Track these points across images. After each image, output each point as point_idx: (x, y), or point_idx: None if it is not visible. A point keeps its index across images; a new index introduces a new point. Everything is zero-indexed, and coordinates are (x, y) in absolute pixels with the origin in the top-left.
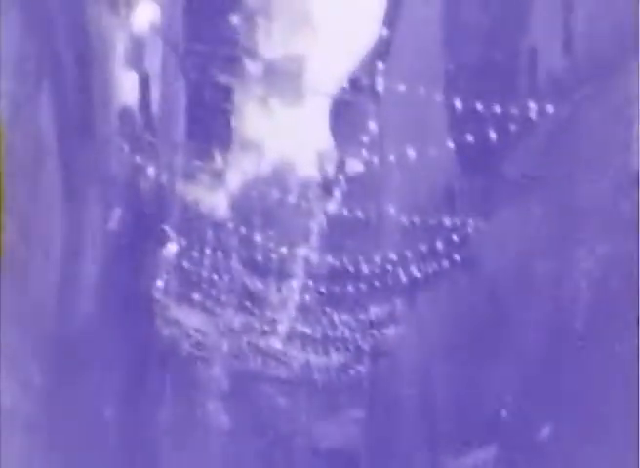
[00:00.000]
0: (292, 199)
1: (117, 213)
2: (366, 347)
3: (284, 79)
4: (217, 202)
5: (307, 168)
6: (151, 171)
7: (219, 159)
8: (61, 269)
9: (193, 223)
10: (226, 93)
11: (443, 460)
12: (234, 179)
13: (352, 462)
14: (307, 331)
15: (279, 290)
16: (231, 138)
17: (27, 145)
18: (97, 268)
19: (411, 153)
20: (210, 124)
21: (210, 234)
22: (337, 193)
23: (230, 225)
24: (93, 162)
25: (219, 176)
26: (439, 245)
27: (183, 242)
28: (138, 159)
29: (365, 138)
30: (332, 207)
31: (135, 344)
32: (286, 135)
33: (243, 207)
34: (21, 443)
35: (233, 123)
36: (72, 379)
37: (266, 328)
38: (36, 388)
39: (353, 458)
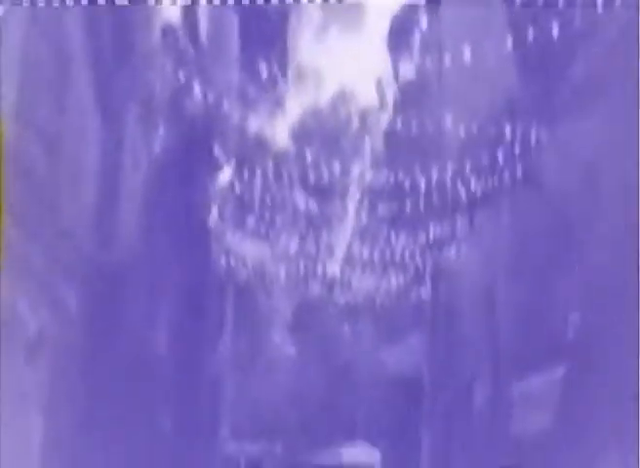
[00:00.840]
0: (350, 124)
1: (161, 134)
2: (426, 268)
3: (343, 5)
4: (273, 126)
5: (366, 95)
6: (198, 90)
7: (274, 85)
8: (98, 191)
9: (247, 148)
10: (283, 18)
11: (507, 382)
12: (293, 106)
13: (416, 386)
14: (365, 253)
15: (335, 211)
16: (288, 64)
17: (50, 56)
18: (140, 193)
19: (467, 55)
20: (264, 48)
21: (265, 158)
22: (391, 107)
23: (287, 150)
24: (132, 80)
25: (275, 103)
26: (500, 156)
27: (236, 167)
28: (181, 76)
29: (419, 43)
30: (386, 122)
31: (189, 273)
32: (345, 62)
33: (300, 132)
34: (49, 365)
35: (290, 49)
36: (115, 305)
37: (323, 252)
38: (69, 311)
39: (417, 382)
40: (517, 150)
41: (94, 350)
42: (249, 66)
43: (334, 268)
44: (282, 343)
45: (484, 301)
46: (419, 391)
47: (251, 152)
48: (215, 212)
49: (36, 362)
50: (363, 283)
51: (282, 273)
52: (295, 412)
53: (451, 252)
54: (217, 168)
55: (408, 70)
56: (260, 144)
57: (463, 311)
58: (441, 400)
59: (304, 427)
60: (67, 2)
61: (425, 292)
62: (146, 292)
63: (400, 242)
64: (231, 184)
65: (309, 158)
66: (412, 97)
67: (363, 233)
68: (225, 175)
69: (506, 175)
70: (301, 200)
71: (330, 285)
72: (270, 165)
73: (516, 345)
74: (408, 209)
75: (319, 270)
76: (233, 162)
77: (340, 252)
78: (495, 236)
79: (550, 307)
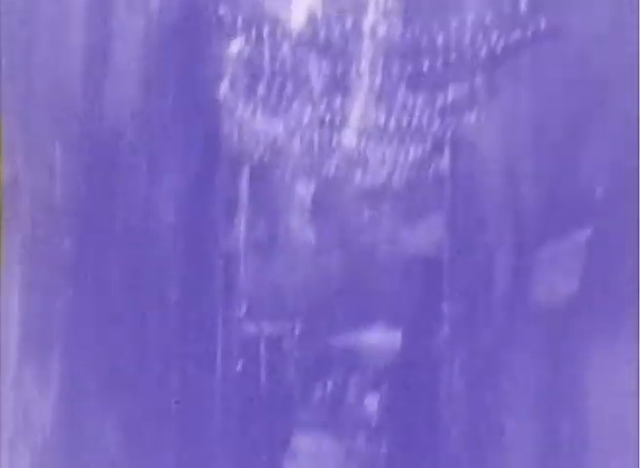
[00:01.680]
0: None
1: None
2: (445, 137)
3: None
4: None
5: None
6: None
7: None
8: (88, 54)
9: (255, 12)
10: None
11: (529, 250)
12: None
13: (436, 267)
14: (381, 118)
15: (347, 74)
16: None
17: None
18: (142, 58)
19: None
20: None
21: (272, 22)
22: None
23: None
24: None
25: None
26: (522, 6)
27: (245, 34)
28: None
29: None
30: None
31: (200, 149)
32: None
33: None
34: (31, 221)
35: None
36: (111, 173)
37: (337, 119)
38: (60, 172)
39: (437, 263)
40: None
41: (83, 213)
42: None
43: (349, 138)
44: (300, 226)
45: (505, 172)
46: (439, 269)
47: (255, 14)
48: (225, 83)
49: (17, 217)
50: (379, 154)
51: (296, 145)
52: (314, 295)
53: (471, 118)
54: (224, 33)
55: None
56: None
57: (484, 183)
58: (462, 275)
59: (324, 310)
60: None
61: (444, 163)
62: (150, 165)
63: (418, 106)
64: (241, 53)
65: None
66: None
67: (378, 97)
68: (234, 44)
69: (531, 27)
70: (308, 59)
71: (347, 158)
72: (274, 28)
73: (540, 210)
74: (425, 68)
75: (334, 140)
76: (242, 27)
77: (354, 119)
78: (516, 98)
79: (575, 177)
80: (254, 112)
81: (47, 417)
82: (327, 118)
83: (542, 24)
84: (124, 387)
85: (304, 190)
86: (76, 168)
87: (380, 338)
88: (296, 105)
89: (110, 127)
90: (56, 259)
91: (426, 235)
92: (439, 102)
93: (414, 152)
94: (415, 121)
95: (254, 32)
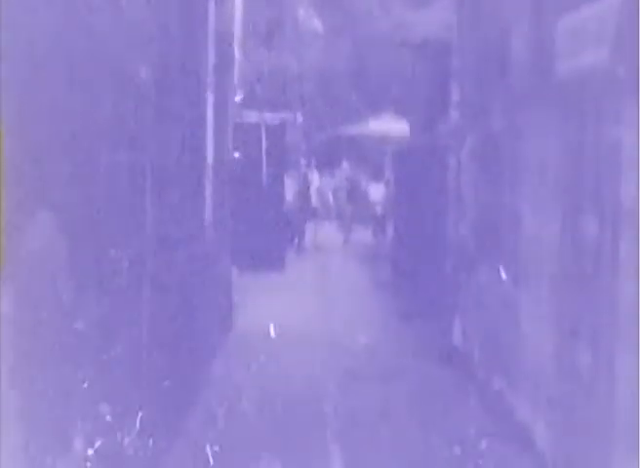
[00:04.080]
0: None
1: None
2: None
3: None
4: None
5: None
6: None
7: None
8: None
9: None
10: None
11: (549, 21)
12: None
13: (444, 50)
14: None
15: None
16: None
17: None
18: None
19: None
20: None
21: None
22: None
23: None
24: None
25: None
26: None
27: None
28: None
29: None
30: None
31: None
32: None
33: None
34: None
35: None
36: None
37: None
38: None
39: (445, 45)
40: None
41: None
42: None
43: None
44: (307, 16)
45: None
46: (447, 54)
47: None
48: None
49: None
50: None
51: None
52: (319, 86)
53: None
54: None
55: None
56: None
57: None
58: (472, 60)
59: (329, 100)
60: None
61: None
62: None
63: None
64: None
65: None
66: None
67: None
68: None
69: None
70: None
71: None
72: None
73: None
74: None
75: None
76: None
77: None
78: None
79: None
80: None
81: None
82: None
83: None
84: None
85: None
86: None
87: (389, 126)
88: None
89: None
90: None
91: (435, 18)
92: None
93: None
94: None
95: None
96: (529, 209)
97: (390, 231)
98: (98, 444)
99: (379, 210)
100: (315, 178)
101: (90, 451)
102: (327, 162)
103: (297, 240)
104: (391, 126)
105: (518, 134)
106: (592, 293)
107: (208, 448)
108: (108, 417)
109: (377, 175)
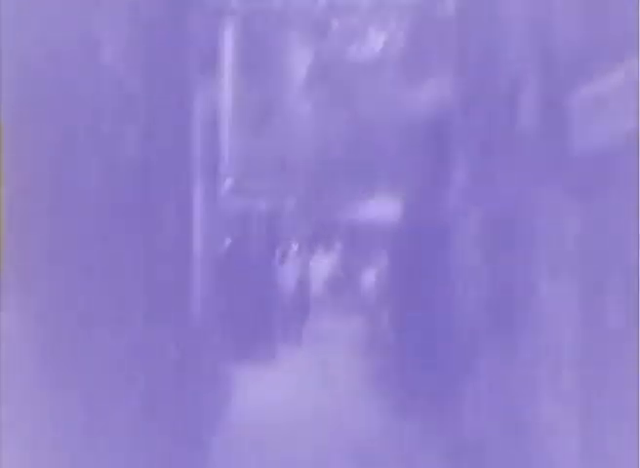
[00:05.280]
0: None
1: None
2: None
3: None
4: None
5: None
6: None
7: None
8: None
9: None
10: None
11: (561, 90)
12: None
13: (444, 128)
14: None
15: None
16: None
17: None
18: None
19: None
20: None
21: None
22: None
23: None
24: None
25: None
26: None
27: None
28: None
29: None
30: None
31: None
32: None
33: None
34: None
35: None
36: None
37: None
38: None
39: (444, 125)
40: None
41: None
42: None
43: None
44: (297, 99)
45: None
46: (445, 133)
47: None
48: None
49: None
50: None
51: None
52: (311, 169)
53: None
54: None
55: None
56: None
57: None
58: (475, 129)
59: (320, 184)
60: None
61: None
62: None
63: None
64: None
65: None
66: None
67: None
68: None
69: None
70: None
71: None
72: None
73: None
74: None
75: None
76: None
77: None
78: None
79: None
80: None
81: None
82: None
83: None
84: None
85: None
86: None
87: (381, 209)
88: None
89: None
90: None
91: (431, 95)
92: None
93: None
94: None
95: None
96: (535, 291)
97: (386, 319)
98: None
99: (373, 297)
100: (307, 265)
101: None
102: (320, 248)
103: (288, 329)
104: (386, 208)
105: (527, 213)
106: (615, 375)
107: None
108: None
109: (371, 261)
